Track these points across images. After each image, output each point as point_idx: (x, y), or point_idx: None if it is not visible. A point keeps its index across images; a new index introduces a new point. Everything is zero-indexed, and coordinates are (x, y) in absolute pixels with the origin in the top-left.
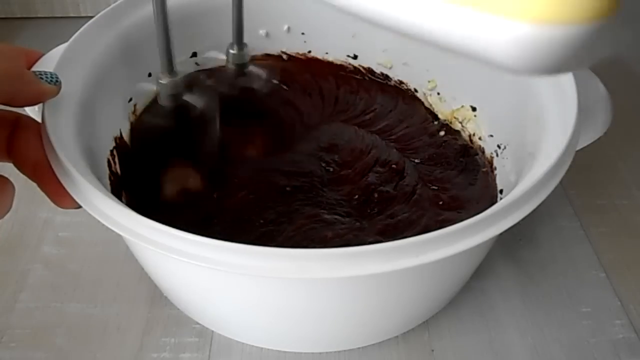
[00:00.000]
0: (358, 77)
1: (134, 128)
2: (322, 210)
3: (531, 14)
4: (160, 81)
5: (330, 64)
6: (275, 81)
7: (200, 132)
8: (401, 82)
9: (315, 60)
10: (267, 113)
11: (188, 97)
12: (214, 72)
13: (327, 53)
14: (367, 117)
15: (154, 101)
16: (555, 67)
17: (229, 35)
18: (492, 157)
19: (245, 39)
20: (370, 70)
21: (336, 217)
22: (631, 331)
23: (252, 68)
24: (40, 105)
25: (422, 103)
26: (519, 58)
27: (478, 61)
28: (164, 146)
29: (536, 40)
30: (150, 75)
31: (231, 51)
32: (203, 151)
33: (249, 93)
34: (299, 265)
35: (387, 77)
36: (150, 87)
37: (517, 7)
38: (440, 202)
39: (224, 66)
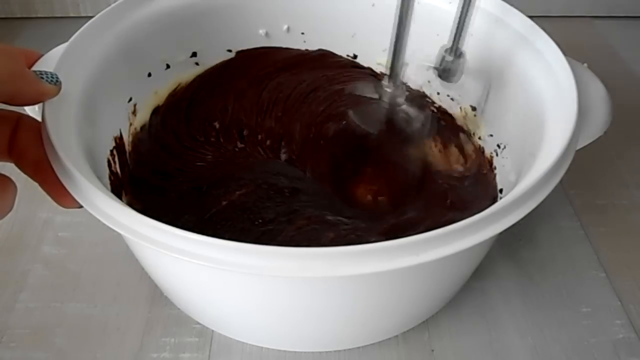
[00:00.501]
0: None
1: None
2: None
3: None
4: (386, 89)
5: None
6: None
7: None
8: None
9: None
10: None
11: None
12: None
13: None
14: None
15: None
16: None
17: (228, 35)
18: (492, 157)
19: (245, 39)
20: (370, 70)
21: (339, 218)
22: (631, 331)
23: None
24: (40, 105)
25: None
26: None
27: None
28: None
29: None
30: (150, 75)
31: (447, 59)
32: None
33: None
34: (299, 264)
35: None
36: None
37: None
38: (448, 202)
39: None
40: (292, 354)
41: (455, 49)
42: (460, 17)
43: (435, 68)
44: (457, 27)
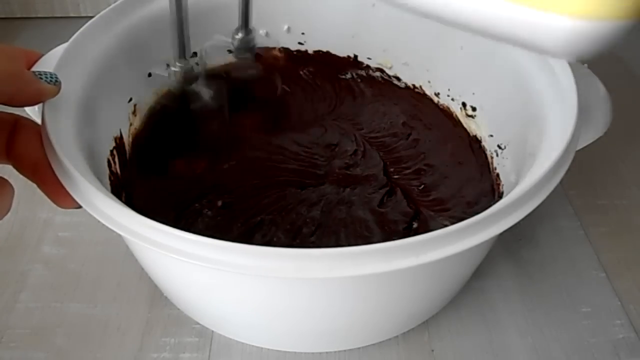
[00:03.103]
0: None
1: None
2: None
3: (576, 10)
4: (173, 68)
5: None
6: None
7: (209, 118)
8: (400, 82)
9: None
10: (268, 100)
11: (197, 86)
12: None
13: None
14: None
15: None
16: (588, 54)
17: (228, 36)
18: (492, 157)
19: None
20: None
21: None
22: (631, 331)
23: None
24: (40, 105)
25: None
26: (563, 47)
27: (524, 48)
28: (172, 132)
29: (579, 32)
30: (150, 75)
31: (237, 36)
32: (211, 137)
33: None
34: (298, 265)
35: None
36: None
37: (564, 5)
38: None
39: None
40: (292, 354)
41: (245, 27)
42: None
43: (230, 51)
44: (244, 5)
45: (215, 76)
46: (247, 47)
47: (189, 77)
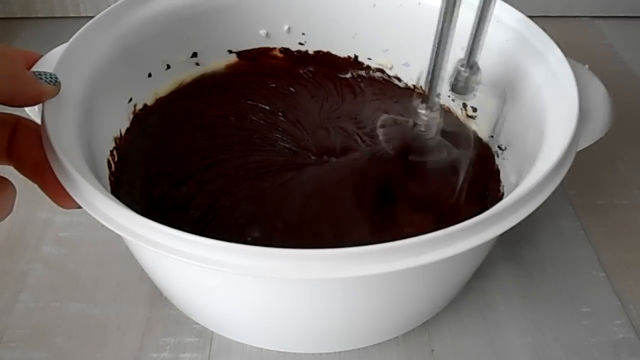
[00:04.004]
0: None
1: None
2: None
3: None
4: (423, 116)
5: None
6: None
7: None
8: (401, 82)
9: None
10: None
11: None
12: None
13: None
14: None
15: None
16: None
17: (229, 36)
18: (493, 158)
19: (246, 39)
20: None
21: None
22: (631, 331)
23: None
24: (40, 105)
25: None
26: None
27: None
28: None
29: None
30: (150, 75)
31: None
32: None
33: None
34: (298, 266)
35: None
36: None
37: None
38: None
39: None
40: (292, 355)
41: (470, 63)
42: (476, 29)
43: (450, 83)
44: (473, 39)
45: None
46: (467, 87)
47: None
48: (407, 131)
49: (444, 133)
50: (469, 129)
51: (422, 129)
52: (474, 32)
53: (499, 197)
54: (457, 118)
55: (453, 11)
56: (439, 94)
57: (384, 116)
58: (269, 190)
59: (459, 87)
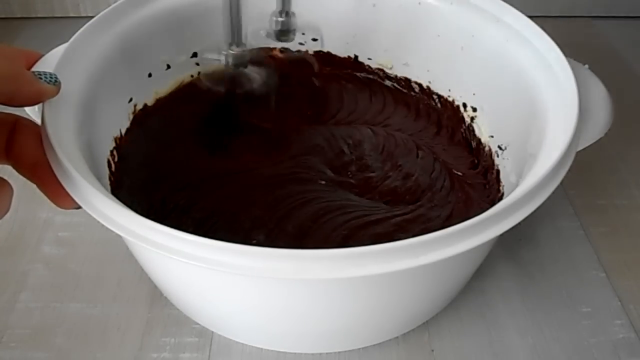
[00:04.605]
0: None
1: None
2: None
3: None
4: (230, 51)
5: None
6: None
7: (256, 104)
8: (401, 82)
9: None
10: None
11: (251, 70)
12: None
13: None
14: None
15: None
16: None
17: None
18: (493, 158)
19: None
20: (371, 71)
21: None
22: (631, 331)
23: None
24: (40, 105)
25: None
26: None
27: None
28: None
29: None
30: (150, 75)
31: (279, 19)
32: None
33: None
34: (298, 266)
35: (387, 77)
36: (214, 57)
37: None
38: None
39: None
40: (292, 355)
41: (285, 11)
42: None
43: (270, 32)
44: None
45: (263, 64)
46: (289, 30)
47: (241, 62)
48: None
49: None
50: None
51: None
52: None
53: (499, 197)
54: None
55: None
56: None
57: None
58: (270, 192)
59: (279, 34)
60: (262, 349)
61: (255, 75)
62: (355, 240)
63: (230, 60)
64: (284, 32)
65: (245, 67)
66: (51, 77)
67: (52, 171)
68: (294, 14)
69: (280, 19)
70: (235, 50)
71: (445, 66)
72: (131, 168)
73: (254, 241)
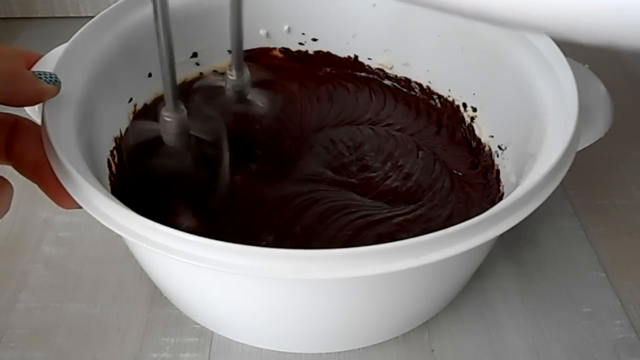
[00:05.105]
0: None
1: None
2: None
3: None
4: (166, 118)
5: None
6: (277, 107)
7: (209, 167)
8: (401, 82)
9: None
10: (267, 141)
11: (196, 131)
12: (213, 97)
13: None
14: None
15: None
16: None
17: (228, 36)
18: (493, 158)
19: (246, 40)
20: (371, 71)
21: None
22: (631, 331)
23: (252, 95)
24: (40, 105)
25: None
26: None
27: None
28: (166, 185)
29: None
30: (150, 75)
31: (230, 77)
32: (213, 186)
33: (249, 122)
34: (298, 266)
35: (387, 77)
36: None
37: None
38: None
39: (221, 86)
40: (292, 355)
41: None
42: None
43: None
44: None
45: (209, 116)
46: (241, 89)
47: (242, 89)
48: None
49: None
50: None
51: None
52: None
53: (499, 197)
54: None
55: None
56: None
57: None
58: (271, 192)
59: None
60: (262, 349)
61: (259, 105)
62: (360, 240)
63: (231, 87)
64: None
65: (247, 95)
66: (51, 77)
67: (53, 171)
68: (246, 69)
69: (231, 77)
70: (234, 75)
71: (445, 66)
72: (131, 168)
73: (263, 242)
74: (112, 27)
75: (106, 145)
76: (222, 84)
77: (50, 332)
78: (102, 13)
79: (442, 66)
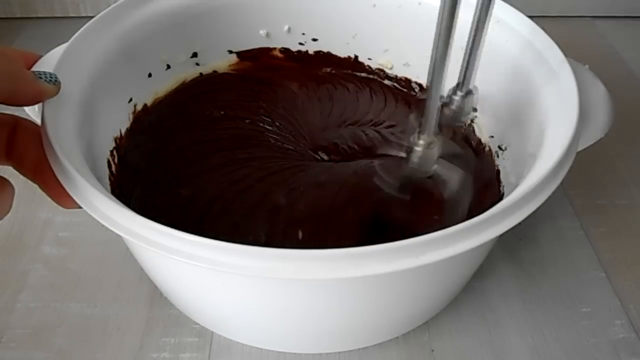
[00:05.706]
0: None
1: None
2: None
3: None
4: (417, 146)
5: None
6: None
7: None
8: (402, 82)
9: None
10: None
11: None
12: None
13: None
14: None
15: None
16: None
17: (229, 36)
18: (493, 158)
19: (246, 39)
20: (371, 71)
21: None
22: (631, 331)
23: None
24: (40, 105)
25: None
26: None
27: None
28: None
29: None
30: (150, 75)
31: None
32: None
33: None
34: (298, 266)
35: (387, 77)
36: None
37: None
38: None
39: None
40: (292, 355)
41: (463, 86)
42: (469, 51)
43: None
44: (467, 62)
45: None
46: (461, 112)
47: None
48: (401, 165)
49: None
50: (469, 151)
51: (416, 165)
52: (466, 54)
53: (499, 197)
54: (460, 138)
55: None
56: (439, 124)
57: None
58: (272, 192)
59: (453, 114)
60: (262, 349)
61: (443, 180)
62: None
63: (416, 160)
64: (456, 112)
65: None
66: (51, 77)
67: (53, 171)
68: (473, 90)
69: (455, 97)
70: (423, 141)
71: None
72: (131, 168)
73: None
74: (112, 27)
75: (106, 146)
76: None
77: (50, 332)
78: (102, 13)
79: None
